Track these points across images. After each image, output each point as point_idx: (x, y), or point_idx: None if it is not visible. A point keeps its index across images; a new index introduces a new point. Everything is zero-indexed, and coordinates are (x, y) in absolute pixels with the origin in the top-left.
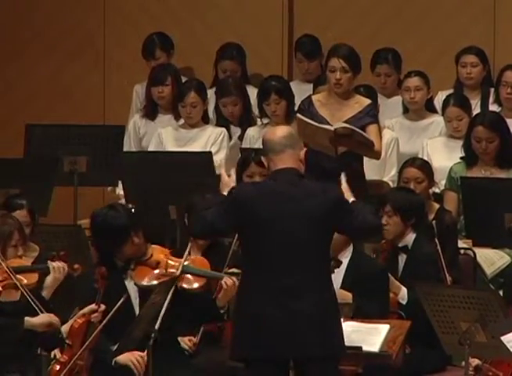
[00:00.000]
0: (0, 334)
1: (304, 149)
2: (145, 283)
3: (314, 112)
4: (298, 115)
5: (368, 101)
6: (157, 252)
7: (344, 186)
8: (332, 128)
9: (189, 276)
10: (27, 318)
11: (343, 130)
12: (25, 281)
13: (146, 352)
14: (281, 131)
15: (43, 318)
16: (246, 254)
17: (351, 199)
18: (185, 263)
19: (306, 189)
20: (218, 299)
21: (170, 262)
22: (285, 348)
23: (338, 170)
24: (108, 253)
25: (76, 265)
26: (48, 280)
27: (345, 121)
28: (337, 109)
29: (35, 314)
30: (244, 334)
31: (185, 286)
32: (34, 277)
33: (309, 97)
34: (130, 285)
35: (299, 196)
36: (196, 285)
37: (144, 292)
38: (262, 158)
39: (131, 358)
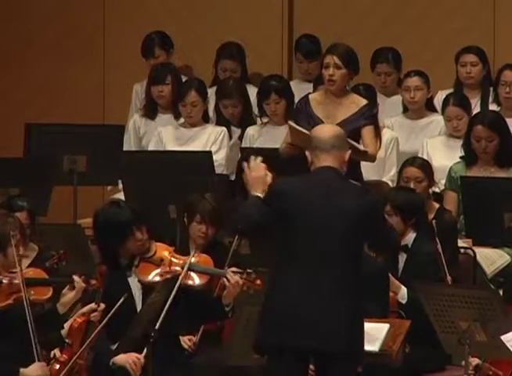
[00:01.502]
0: None
1: (349, 151)
2: (148, 279)
3: (310, 111)
4: (290, 123)
5: (364, 101)
6: (161, 249)
7: None
8: None
9: (192, 273)
10: (22, 370)
11: None
12: (36, 297)
13: (143, 353)
14: (331, 131)
15: (36, 370)
16: (280, 247)
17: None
18: (191, 263)
19: (346, 188)
20: (223, 297)
21: (174, 259)
22: (311, 340)
23: None
24: (111, 251)
25: (93, 282)
26: (69, 296)
27: (340, 122)
28: (332, 109)
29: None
30: (271, 324)
31: (188, 282)
32: (47, 293)
33: (306, 96)
34: (133, 282)
35: (338, 194)
36: (199, 282)
37: (148, 289)
38: (307, 152)
39: (128, 360)
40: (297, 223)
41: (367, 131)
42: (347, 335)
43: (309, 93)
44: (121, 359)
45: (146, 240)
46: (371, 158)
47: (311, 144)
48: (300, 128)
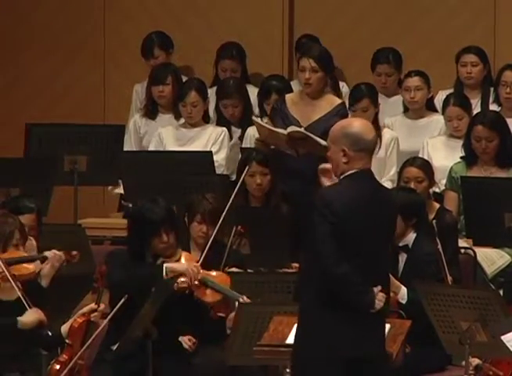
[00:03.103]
0: None
1: None
2: None
3: (285, 111)
4: (254, 119)
5: (339, 101)
6: (186, 259)
7: None
8: (285, 132)
9: (206, 288)
10: (19, 318)
11: (296, 134)
12: (20, 272)
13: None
14: (372, 130)
15: (32, 316)
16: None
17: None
18: (206, 276)
19: (383, 193)
20: (228, 320)
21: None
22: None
23: (307, 170)
24: (140, 245)
25: (74, 252)
26: (46, 268)
27: (314, 121)
28: (307, 109)
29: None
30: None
31: (201, 298)
32: (30, 268)
33: (283, 96)
34: None
35: (381, 200)
36: (210, 299)
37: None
38: (345, 149)
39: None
40: (355, 232)
41: None
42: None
43: (285, 94)
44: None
45: (171, 244)
46: None
47: (276, 141)
48: (264, 124)
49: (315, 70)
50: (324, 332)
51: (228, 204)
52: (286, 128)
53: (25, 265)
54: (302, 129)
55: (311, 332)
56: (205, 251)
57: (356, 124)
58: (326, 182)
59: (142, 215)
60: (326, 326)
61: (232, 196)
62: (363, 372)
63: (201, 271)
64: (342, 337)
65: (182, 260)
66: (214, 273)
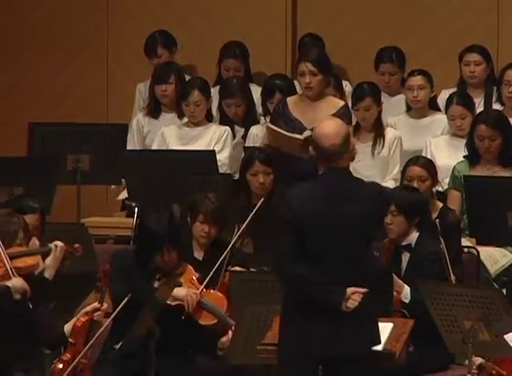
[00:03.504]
0: None
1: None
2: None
3: (287, 114)
4: (268, 125)
5: (342, 102)
6: (187, 274)
7: None
8: (301, 137)
9: (203, 310)
10: (9, 284)
11: (311, 138)
12: (23, 264)
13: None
14: (337, 138)
15: (19, 282)
16: (308, 258)
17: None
18: (205, 297)
19: (358, 189)
20: (220, 342)
21: (192, 287)
22: (336, 348)
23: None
24: (144, 253)
25: (76, 245)
26: (49, 260)
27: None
28: (309, 111)
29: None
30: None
31: (199, 321)
32: (32, 260)
33: (284, 100)
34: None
35: (354, 197)
36: (206, 321)
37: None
38: (311, 150)
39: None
40: (316, 232)
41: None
42: (358, 336)
43: (289, 94)
44: (180, 291)
45: (172, 261)
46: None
47: (290, 145)
48: (278, 130)
49: (314, 74)
50: (296, 332)
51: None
52: (289, 131)
53: (27, 258)
54: None
55: (286, 332)
56: (208, 277)
57: (319, 130)
58: None
59: (146, 228)
60: (297, 326)
61: None
62: (344, 372)
63: (198, 285)
64: (313, 336)
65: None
66: (212, 292)
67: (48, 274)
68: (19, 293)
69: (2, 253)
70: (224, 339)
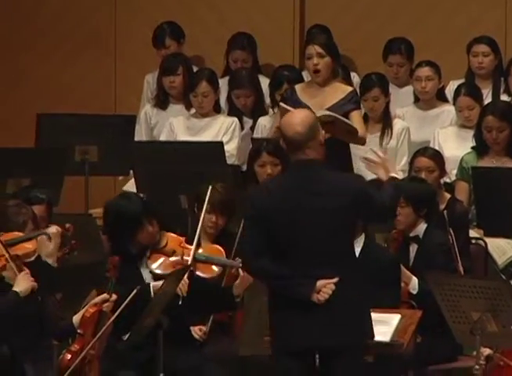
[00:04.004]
0: None
1: (323, 131)
2: (160, 271)
3: (296, 99)
4: (281, 104)
5: (350, 88)
6: (172, 240)
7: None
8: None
9: (203, 264)
10: (15, 289)
11: (325, 117)
12: (22, 252)
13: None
14: (301, 125)
15: (25, 283)
16: (275, 252)
17: (392, 174)
18: (199, 251)
19: (323, 181)
20: (234, 287)
21: (185, 250)
22: (311, 340)
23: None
24: (122, 242)
25: (67, 225)
26: (51, 247)
27: (327, 108)
28: (318, 96)
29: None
30: (276, 328)
31: (200, 274)
32: (30, 246)
33: (292, 87)
34: (145, 273)
35: (319, 190)
36: (210, 273)
37: (159, 279)
38: (281, 143)
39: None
40: (283, 230)
41: (356, 115)
42: (346, 328)
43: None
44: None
45: (156, 232)
46: (361, 140)
47: None
48: (291, 109)
49: (321, 56)
50: (275, 326)
51: None
52: None
53: (25, 244)
54: (332, 113)
55: (270, 325)
56: (197, 234)
57: (284, 119)
58: (379, 173)
59: (121, 212)
60: (275, 320)
61: None
62: (326, 364)
63: (190, 247)
64: (288, 330)
65: (177, 244)
66: (205, 246)
67: (51, 261)
68: (29, 292)
69: (3, 247)
70: (237, 282)
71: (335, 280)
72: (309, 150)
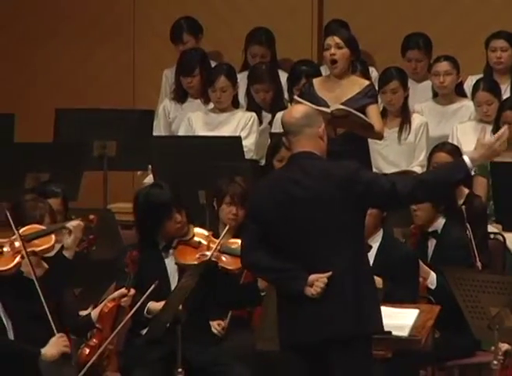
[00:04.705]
0: (16, 363)
1: (323, 125)
2: (186, 262)
3: (313, 94)
4: (295, 97)
5: (367, 82)
6: (199, 233)
7: None
8: (328, 110)
9: (228, 256)
10: (42, 351)
11: (339, 112)
12: (40, 247)
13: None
14: (297, 111)
15: (55, 349)
16: (274, 246)
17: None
18: (226, 245)
19: (319, 172)
20: (259, 280)
21: (211, 243)
22: (318, 333)
23: (344, 153)
24: (150, 232)
25: (91, 216)
26: (70, 240)
27: (343, 102)
28: (335, 90)
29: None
30: (282, 322)
31: (225, 266)
32: (50, 240)
33: (310, 80)
34: (170, 264)
35: (312, 182)
36: (236, 265)
37: (184, 272)
38: (283, 139)
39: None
40: (282, 226)
41: (372, 110)
42: (352, 320)
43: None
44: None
45: (184, 222)
46: (378, 135)
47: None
48: (305, 102)
49: (340, 47)
50: (282, 319)
51: None
52: None
53: (43, 238)
54: (346, 107)
55: (278, 319)
56: (224, 232)
57: (285, 111)
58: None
59: (151, 201)
60: (279, 314)
61: None
62: (327, 358)
63: (219, 241)
64: (285, 325)
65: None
66: (229, 241)
67: (68, 254)
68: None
69: (21, 243)
70: None
71: (328, 274)
72: (305, 139)
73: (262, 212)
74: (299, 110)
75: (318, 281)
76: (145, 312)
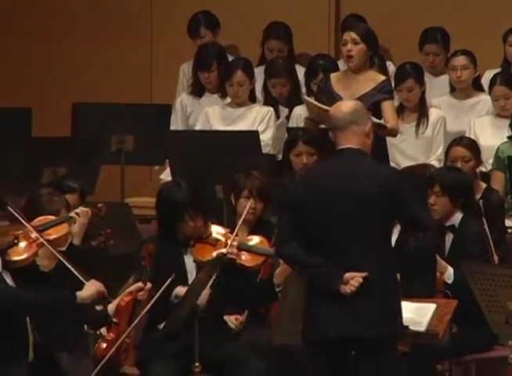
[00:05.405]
0: (54, 310)
1: (370, 123)
2: (204, 259)
3: (330, 89)
4: (305, 97)
5: (383, 77)
6: (217, 230)
7: None
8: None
9: (246, 253)
10: (78, 293)
11: None
12: (55, 235)
13: None
14: (346, 107)
15: (91, 289)
16: (307, 238)
17: None
18: (244, 242)
19: (363, 170)
20: (275, 276)
21: (229, 240)
22: (345, 329)
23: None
24: (170, 227)
25: (99, 205)
26: (76, 227)
27: (358, 98)
28: (351, 85)
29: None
30: (310, 317)
31: (243, 263)
32: (63, 228)
33: (328, 75)
34: (189, 261)
35: (355, 176)
36: (254, 262)
37: (202, 269)
38: (330, 133)
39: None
40: (318, 215)
41: (387, 106)
42: (380, 318)
43: (330, 73)
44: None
45: (199, 227)
46: (392, 132)
47: (326, 118)
48: (315, 102)
49: (356, 42)
50: (306, 315)
51: None
52: (329, 105)
53: (58, 227)
54: None
55: (304, 314)
56: (238, 225)
57: (335, 104)
58: None
59: (168, 198)
60: (308, 308)
61: None
62: (349, 358)
63: (235, 231)
64: (313, 321)
65: (221, 234)
66: (248, 237)
67: (76, 240)
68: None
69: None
70: (278, 271)
71: (364, 274)
72: (352, 135)
73: (301, 201)
74: (348, 105)
75: (353, 280)
76: (172, 297)
